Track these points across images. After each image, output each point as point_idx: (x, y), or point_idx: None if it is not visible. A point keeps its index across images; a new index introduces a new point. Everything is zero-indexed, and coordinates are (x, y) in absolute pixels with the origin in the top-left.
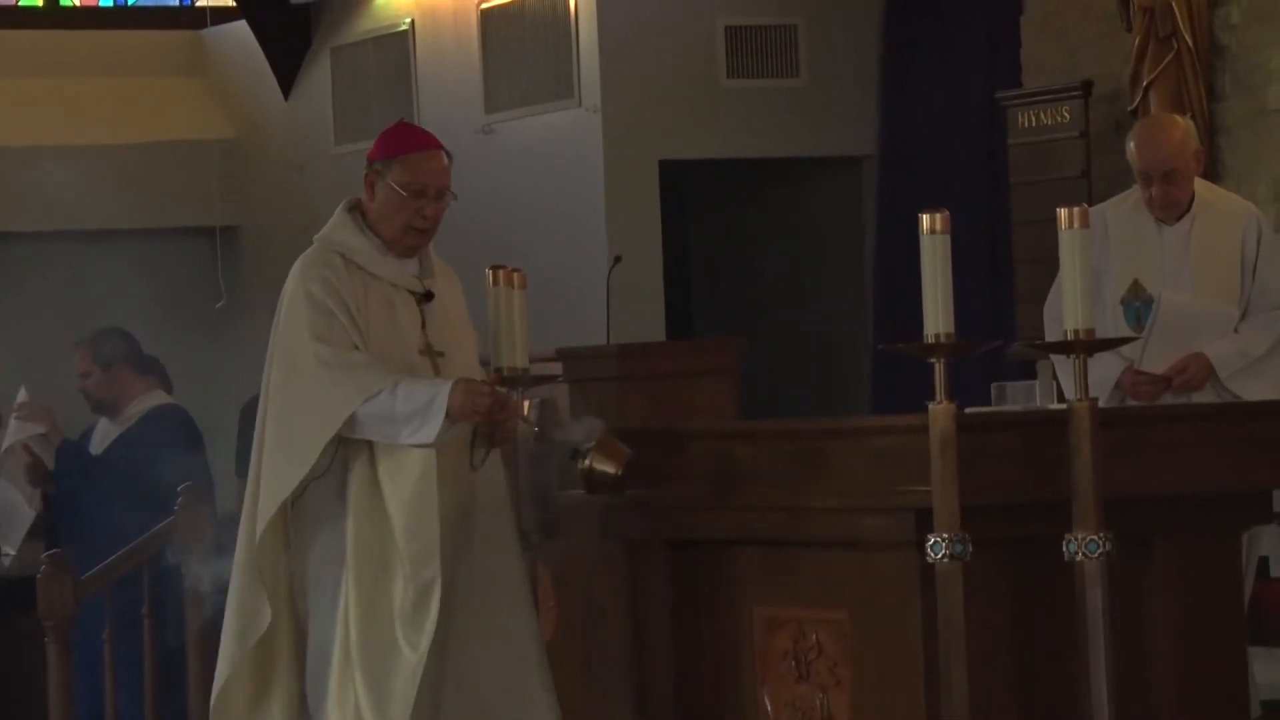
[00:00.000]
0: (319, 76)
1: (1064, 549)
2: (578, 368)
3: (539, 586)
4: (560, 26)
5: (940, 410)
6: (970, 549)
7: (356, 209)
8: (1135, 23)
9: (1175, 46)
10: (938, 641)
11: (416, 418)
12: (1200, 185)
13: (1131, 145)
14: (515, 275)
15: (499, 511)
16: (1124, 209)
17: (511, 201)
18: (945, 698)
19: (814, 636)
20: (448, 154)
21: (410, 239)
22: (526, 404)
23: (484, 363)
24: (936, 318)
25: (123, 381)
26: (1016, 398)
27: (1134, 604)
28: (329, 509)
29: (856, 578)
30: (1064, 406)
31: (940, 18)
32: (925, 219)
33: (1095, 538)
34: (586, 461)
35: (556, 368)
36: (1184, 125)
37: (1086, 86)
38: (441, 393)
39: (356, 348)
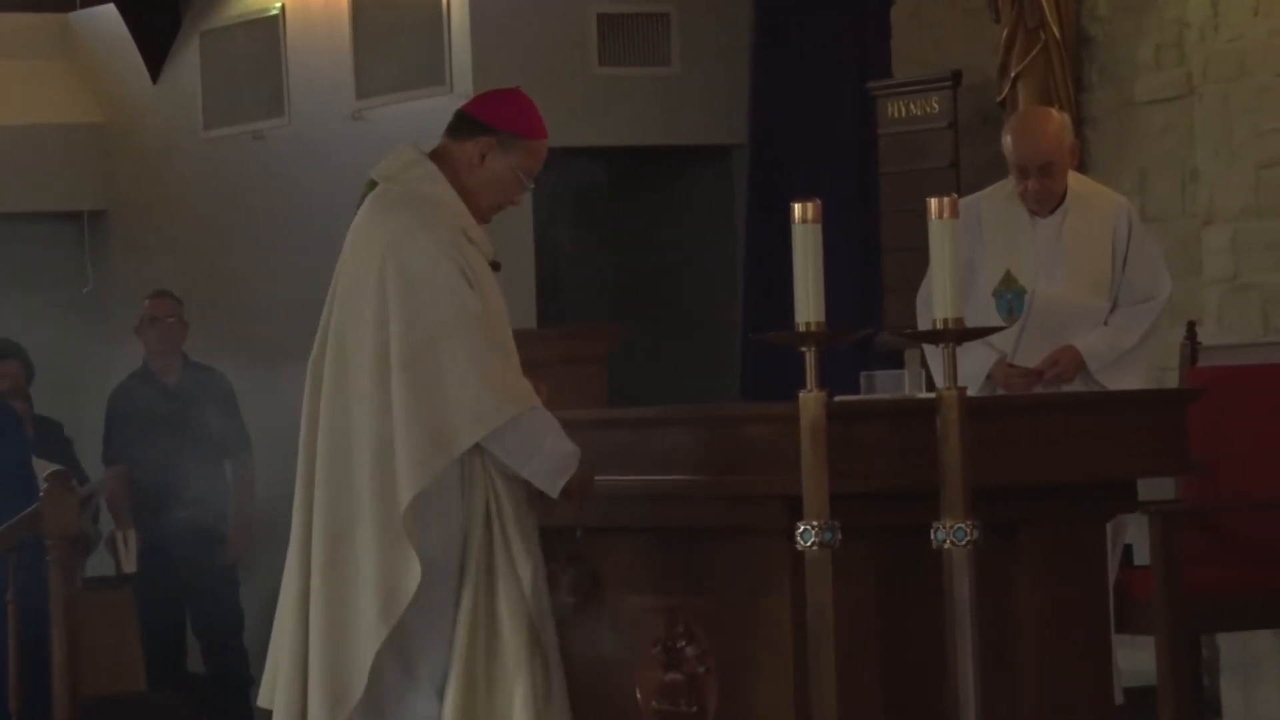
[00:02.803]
0: (188, 60)
1: (932, 537)
2: None
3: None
4: (432, 13)
5: (810, 398)
6: (839, 537)
7: (437, 161)
8: (1003, 14)
9: (1043, 38)
10: (807, 629)
11: (554, 459)
12: (1073, 178)
13: (1008, 138)
14: None
15: None
16: (998, 200)
17: None
18: (814, 685)
19: (684, 624)
20: None
21: (493, 214)
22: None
23: None
24: (807, 306)
25: None
26: (886, 387)
27: (1001, 591)
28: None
29: (726, 565)
30: (933, 395)
31: (811, 7)
32: (796, 208)
33: (963, 526)
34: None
35: None
36: (1060, 119)
37: (956, 77)
38: (574, 456)
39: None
